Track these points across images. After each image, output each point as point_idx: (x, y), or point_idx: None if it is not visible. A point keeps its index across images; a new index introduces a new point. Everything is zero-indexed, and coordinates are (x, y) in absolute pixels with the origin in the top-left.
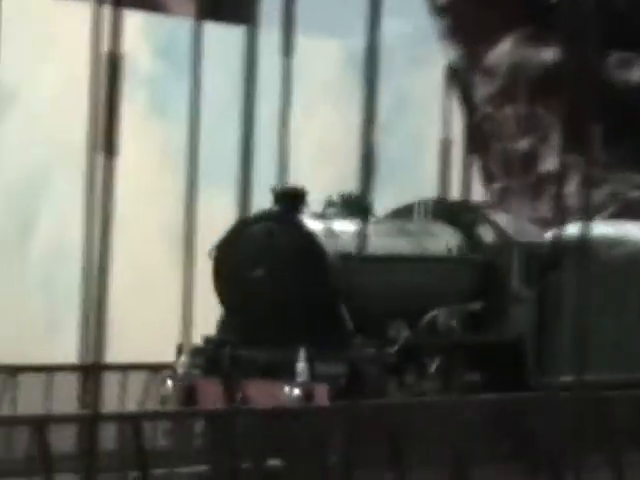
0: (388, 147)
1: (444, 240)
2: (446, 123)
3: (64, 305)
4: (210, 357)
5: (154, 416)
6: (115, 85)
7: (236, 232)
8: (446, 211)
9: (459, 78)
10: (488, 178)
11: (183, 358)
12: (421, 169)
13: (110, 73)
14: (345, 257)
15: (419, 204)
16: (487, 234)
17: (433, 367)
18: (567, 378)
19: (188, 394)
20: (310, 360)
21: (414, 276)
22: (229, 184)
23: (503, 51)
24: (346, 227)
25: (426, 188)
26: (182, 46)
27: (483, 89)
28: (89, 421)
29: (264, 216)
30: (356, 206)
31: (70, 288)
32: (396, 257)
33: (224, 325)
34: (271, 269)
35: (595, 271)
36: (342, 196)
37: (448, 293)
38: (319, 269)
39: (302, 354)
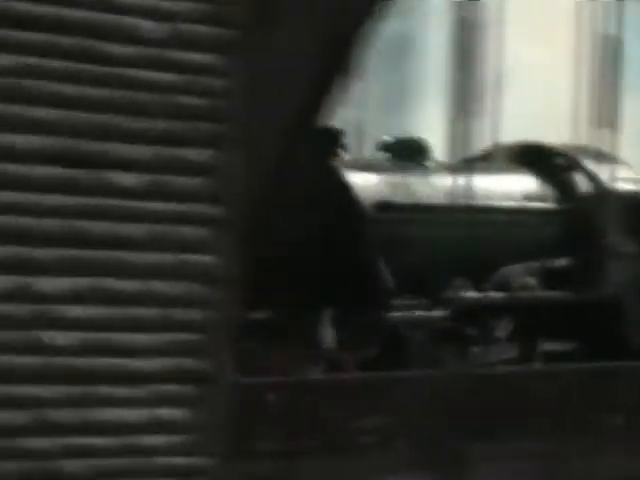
0: None
1: (523, 188)
2: None
3: None
4: None
5: None
6: (616, 66)
7: None
8: (530, 157)
9: None
10: None
11: None
12: None
13: (609, 55)
14: (387, 206)
15: (497, 149)
16: (581, 182)
17: (504, 332)
18: None
19: None
20: (337, 325)
21: (481, 229)
22: None
23: None
24: (400, 174)
25: None
26: None
27: None
28: None
29: None
30: (413, 150)
31: None
32: (458, 207)
33: None
34: (293, 220)
35: None
36: (397, 139)
37: (525, 248)
38: (351, 220)
39: (326, 318)
